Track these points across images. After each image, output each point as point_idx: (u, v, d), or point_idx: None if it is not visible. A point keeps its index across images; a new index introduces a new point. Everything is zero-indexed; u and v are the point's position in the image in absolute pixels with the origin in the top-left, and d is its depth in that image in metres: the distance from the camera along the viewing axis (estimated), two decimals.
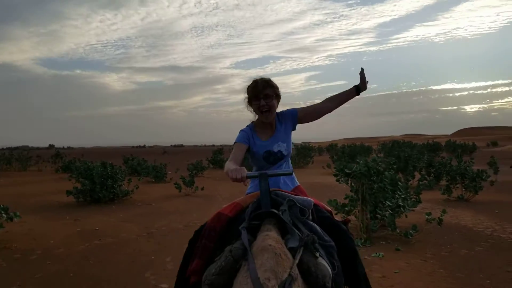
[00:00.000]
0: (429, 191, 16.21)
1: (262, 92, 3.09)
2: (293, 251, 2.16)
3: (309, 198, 2.76)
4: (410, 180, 18.19)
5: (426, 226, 9.06)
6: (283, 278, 1.89)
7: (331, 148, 56.53)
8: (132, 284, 6.02)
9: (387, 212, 8.31)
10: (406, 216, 8.89)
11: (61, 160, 37.71)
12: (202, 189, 16.92)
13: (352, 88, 3.35)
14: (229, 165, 2.87)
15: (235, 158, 3.03)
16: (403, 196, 8.37)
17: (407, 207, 8.42)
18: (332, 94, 3.38)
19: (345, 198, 9.08)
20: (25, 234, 9.48)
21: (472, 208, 12.52)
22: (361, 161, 8.23)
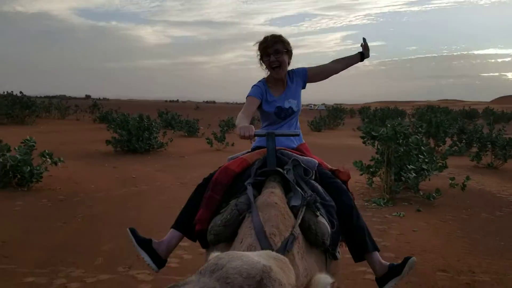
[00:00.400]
0: (460, 157, 16.22)
1: (272, 48, 3.09)
2: (295, 209, 2.28)
3: (313, 159, 2.87)
4: (441, 146, 18.19)
5: (449, 191, 9.27)
6: (285, 235, 2.00)
7: (363, 110, 55.99)
8: (167, 226, 6.55)
9: (411, 175, 8.52)
10: (429, 180, 9.08)
11: (98, 110, 38.88)
12: (233, 145, 17.37)
13: (357, 53, 3.48)
14: (241, 118, 2.96)
15: (247, 112, 3.08)
16: (426, 160, 8.55)
17: (430, 171, 8.62)
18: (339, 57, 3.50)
19: (371, 160, 9.34)
20: (67, 178, 10.18)
21: (500, 175, 12.57)
22: (389, 125, 8.40)
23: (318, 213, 2.37)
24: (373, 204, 8.35)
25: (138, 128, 15.39)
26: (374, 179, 9.21)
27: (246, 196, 2.35)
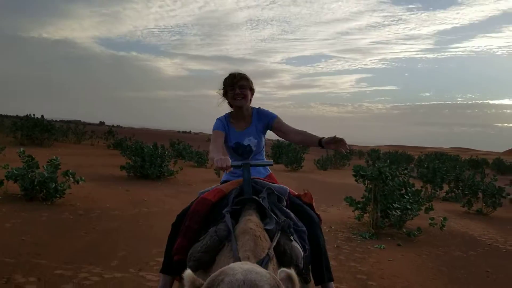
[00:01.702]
0: (455, 203, 17.03)
1: (238, 83, 3.25)
2: (271, 233, 2.43)
3: (284, 186, 3.05)
4: (437, 191, 19.01)
5: (433, 231, 10.14)
6: (261, 257, 2.12)
7: (372, 153, 56.82)
8: None
9: (396, 213, 9.44)
10: (412, 219, 9.97)
11: (113, 137, 40.32)
12: None
13: (317, 138, 3.26)
14: (214, 152, 3.10)
15: (217, 145, 3.21)
16: (410, 200, 9.48)
17: (414, 211, 9.54)
18: (303, 130, 3.38)
19: (362, 197, 10.30)
20: (85, 197, 11.24)
21: (487, 221, 13.34)
22: (375, 166, 9.40)
23: (292, 238, 2.53)
24: (359, 237, 9.26)
25: (151, 155, 16.54)
26: (364, 215, 10.13)
27: (225, 224, 2.47)
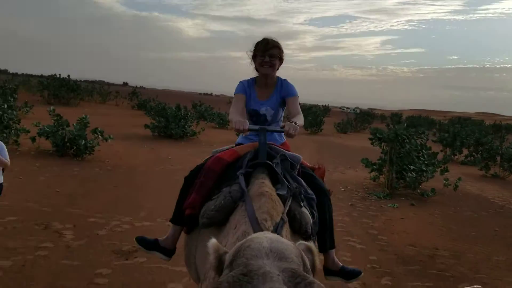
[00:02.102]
0: (473, 167, 17.17)
1: (269, 51, 3.19)
2: (282, 198, 2.44)
3: (298, 155, 3.03)
4: (457, 155, 19.12)
5: (447, 192, 10.42)
6: (276, 220, 2.15)
7: (394, 117, 56.50)
8: None
9: (412, 174, 9.73)
10: (427, 180, 10.25)
11: (137, 98, 40.97)
12: None
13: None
14: (234, 115, 3.13)
15: (238, 108, 3.23)
16: (426, 162, 9.73)
17: (429, 172, 9.80)
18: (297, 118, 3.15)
19: (378, 160, 10.59)
20: (113, 154, 11.80)
21: (503, 185, 13.53)
22: (393, 128, 9.63)
23: (302, 204, 2.56)
24: (374, 197, 9.61)
25: (175, 116, 17.01)
26: (379, 176, 10.45)
27: (238, 185, 2.50)
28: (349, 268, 3.09)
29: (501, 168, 15.09)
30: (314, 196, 2.75)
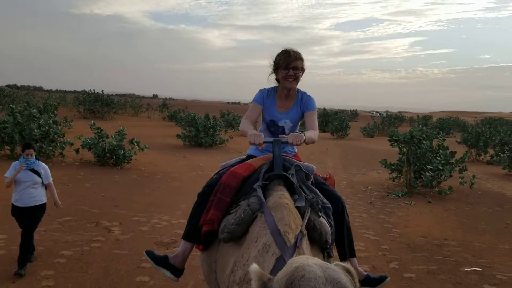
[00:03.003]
0: (498, 166, 17.37)
1: (293, 63, 3.13)
2: (301, 210, 2.48)
3: (311, 165, 3.03)
4: (482, 155, 19.33)
5: (463, 189, 10.87)
6: (296, 233, 2.19)
7: (423, 119, 56.14)
8: None
9: (429, 173, 10.26)
10: (445, 179, 10.73)
11: (167, 109, 42.34)
12: None
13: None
14: (246, 125, 3.14)
15: (251, 118, 3.24)
16: (442, 161, 10.25)
17: (446, 171, 10.31)
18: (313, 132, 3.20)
19: (398, 160, 11.17)
20: (148, 163, 12.73)
21: None
22: (408, 131, 10.20)
23: (320, 214, 2.59)
24: (393, 195, 10.18)
25: (204, 126, 17.94)
26: (397, 175, 11.01)
27: (257, 197, 2.54)
28: (374, 276, 3.09)
29: None
30: (330, 205, 2.77)
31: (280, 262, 1.97)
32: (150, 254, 3.07)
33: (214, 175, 3.22)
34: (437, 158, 10.47)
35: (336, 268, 1.39)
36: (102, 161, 11.65)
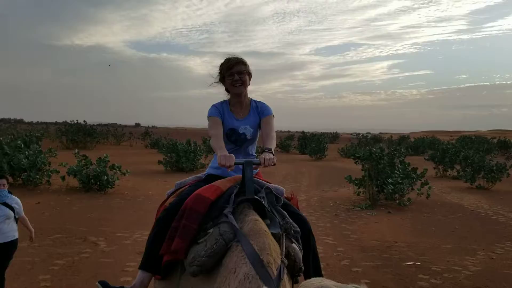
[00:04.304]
0: (463, 181, 18.42)
1: (235, 68, 3.10)
2: (275, 237, 2.33)
3: (280, 187, 3.01)
4: (448, 171, 20.45)
5: (424, 201, 11.87)
6: (278, 263, 2.09)
7: (401, 140, 57.57)
8: None
9: (390, 187, 11.24)
10: (406, 192, 11.70)
11: (149, 137, 43.09)
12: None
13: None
14: (217, 142, 2.99)
15: (218, 133, 3.08)
16: (401, 175, 11.25)
17: (404, 185, 11.31)
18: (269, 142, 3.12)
19: (362, 176, 12.15)
20: (131, 187, 13.50)
21: (485, 194, 14.82)
22: (367, 148, 11.22)
23: (293, 240, 2.51)
24: (357, 208, 11.11)
25: (185, 151, 18.81)
26: (362, 190, 11.98)
27: (228, 225, 2.37)
28: None
29: (485, 179, 16.41)
30: (298, 229, 2.68)
31: None
32: (104, 284, 2.76)
33: (169, 196, 3.17)
34: (395, 173, 11.46)
35: None
36: (87, 187, 12.39)
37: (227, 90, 3.27)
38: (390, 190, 11.16)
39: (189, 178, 3.33)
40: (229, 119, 3.22)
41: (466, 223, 9.82)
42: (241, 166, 2.84)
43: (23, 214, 4.84)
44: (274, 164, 2.84)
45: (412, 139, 55.27)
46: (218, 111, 3.22)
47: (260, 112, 3.29)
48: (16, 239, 4.74)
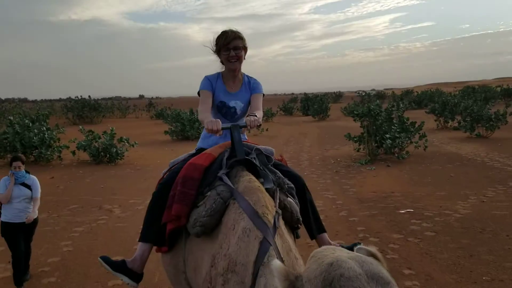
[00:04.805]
0: (460, 131, 18.73)
1: (232, 43, 3.12)
2: (269, 192, 2.43)
3: (269, 147, 3.07)
4: (449, 122, 20.75)
5: (423, 153, 12.29)
6: (273, 213, 2.21)
7: (405, 95, 57.49)
8: None
9: (388, 142, 11.63)
10: (404, 145, 12.10)
11: (154, 109, 43.50)
12: (267, 130, 20.83)
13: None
14: (203, 113, 3.08)
15: (206, 106, 3.17)
16: (398, 130, 11.62)
17: (402, 138, 11.69)
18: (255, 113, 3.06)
19: (361, 133, 12.53)
20: (139, 157, 14.00)
21: (484, 143, 15.20)
22: (365, 106, 11.55)
23: (287, 194, 2.62)
24: (357, 164, 11.54)
25: (189, 120, 19.23)
26: (362, 146, 12.40)
27: (225, 185, 2.48)
28: (347, 246, 2.81)
29: (483, 128, 16.74)
30: (292, 185, 2.77)
31: (264, 244, 1.99)
32: (106, 259, 2.81)
33: (165, 173, 3.22)
34: (393, 127, 11.83)
35: (372, 260, 1.29)
36: (98, 160, 12.90)
37: (222, 62, 3.27)
38: (389, 145, 11.55)
39: (181, 156, 3.36)
40: (221, 92, 3.27)
41: (462, 170, 10.24)
42: (229, 132, 2.91)
43: (38, 195, 4.95)
44: (260, 125, 2.93)
45: (416, 93, 55.24)
46: (210, 83, 3.27)
47: (252, 88, 3.34)
48: (37, 216, 4.96)
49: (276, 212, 2.23)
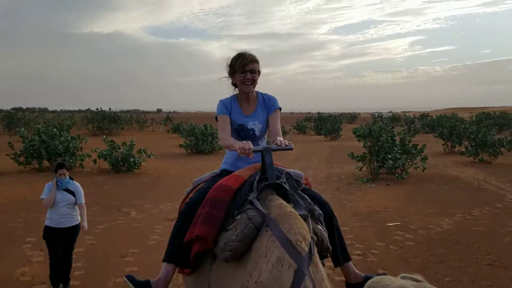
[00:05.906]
0: (464, 156, 19.26)
1: (249, 66, 3.10)
2: (301, 218, 2.37)
3: (299, 171, 3.04)
4: (456, 147, 21.29)
5: (422, 174, 12.95)
6: (309, 240, 2.17)
7: (419, 118, 57.85)
8: None
9: (389, 162, 12.34)
10: (406, 167, 12.79)
11: (171, 122, 44.71)
12: None
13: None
14: (228, 139, 3.07)
15: (228, 130, 3.16)
16: (400, 151, 12.33)
17: (402, 160, 12.39)
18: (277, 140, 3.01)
19: (364, 152, 13.26)
20: (155, 168, 14.90)
21: (486, 168, 15.72)
22: (367, 126, 12.30)
23: (318, 221, 2.60)
24: (359, 182, 12.25)
25: (203, 134, 20.15)
26: (365, 165, 13.13)
27: (255, 210, 2.45)
28: (372, 276, 2.71)
29: (486, 154, 17.30)
30: (321, 212, 2.74)
31: (299, 274, 1.98)
32: (130, 278, 2.80)
33: (188, 194, 3.25)
34: (394, 149, 12.54)
35: (432, 286, 1.29)
36: (116, 169, 13.83)
37: (234, 84, 3.27)
38: (390, 165, 12.25)
39: (205, 175, 3.39)
40: (237, 115, 3.24)
41: (456, 191, 10.88)
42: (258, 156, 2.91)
43: (82, 201, 5.04)
44: (292, 148, 2.91)
45: (433, 117, 55.58)
46: (225, 107, 3.24)
47: (268, 107, 3.31)
48: (79, 223, 5.02)
49: (312, 238, 2.24)
